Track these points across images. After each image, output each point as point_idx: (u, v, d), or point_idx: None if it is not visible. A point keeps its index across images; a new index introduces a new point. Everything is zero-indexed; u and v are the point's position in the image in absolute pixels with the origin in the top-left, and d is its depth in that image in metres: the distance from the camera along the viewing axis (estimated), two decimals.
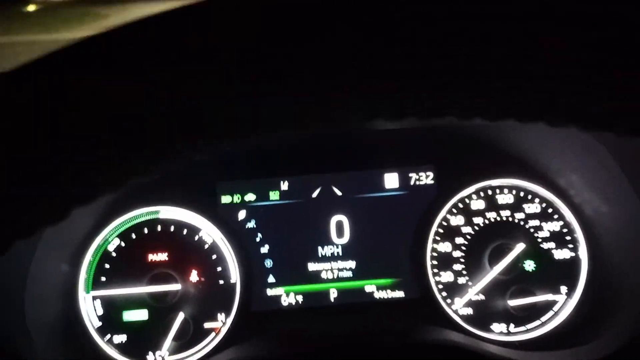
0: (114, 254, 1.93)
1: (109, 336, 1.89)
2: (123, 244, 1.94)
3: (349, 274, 1.96)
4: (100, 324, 1.89)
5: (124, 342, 1.89)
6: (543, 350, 1.77)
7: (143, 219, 1.95)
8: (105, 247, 1.93)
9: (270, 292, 1.96)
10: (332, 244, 1.97)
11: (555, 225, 1.93)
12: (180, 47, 0.56)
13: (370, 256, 1.97)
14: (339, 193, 1.98)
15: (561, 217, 1.93)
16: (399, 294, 1.95)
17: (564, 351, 1.74)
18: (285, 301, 1.96)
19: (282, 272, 1.96)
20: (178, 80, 0.57)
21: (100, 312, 1.90)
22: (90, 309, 1.90)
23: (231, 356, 1.77)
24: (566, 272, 1.90)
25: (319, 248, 1.97)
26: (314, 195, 1.99)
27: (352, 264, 1.97)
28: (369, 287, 1.96)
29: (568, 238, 1.92)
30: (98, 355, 1.88)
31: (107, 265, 1.92)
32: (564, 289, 1.90)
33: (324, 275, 1.96)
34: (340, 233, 1.98)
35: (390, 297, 1.95)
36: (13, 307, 1.64)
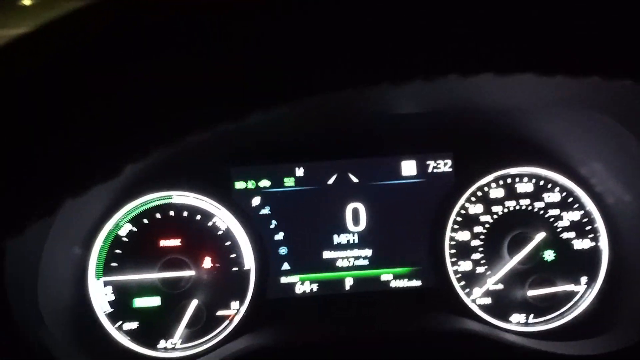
0: (125, 239, 1.89)
1: (119, 323, 1.85)
2: (135, 229, 1.90)
3: (365, 262, 1.93)
4: (111, 310, 1.86)
5: (135, 329, 1.86)
6: (562, 341, 1.74)
7: (155, 203, 1.91)
8: (117, 232, 1.89)
9: (284, 279, 1.93)
10: (348, 231, 1.94)
11: (575, 215, 1.90)
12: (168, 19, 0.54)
13: (387, 245, 1.93)
14: (355, 180, 1.95)
15: (582, 207, 1.90)
16: (416, 283, 1.92)
17: (583, 342, 1.72)
18: (300, 289, 1.92)
19: (297, 259, 1.93)
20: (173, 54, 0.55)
21: (111, 298, 1.86)
22: (100, 294, 1.86)
23: (244, 344, 1.74)
24: (586, 263, 1.87)
25: (335, 236, 1.94)
26: (330, 182, 1.95)
27: (368, 252, 1.93)
28: (385, 275, 1.92)
29: (588, 228, 1.89)
30: (109, 342, 1.85)
31: (118, 251, 1.88)
32: (584, 279, 1.87)
33: (339, 263, 1.93)
34: (356, 221, 1.94)
35: (406, 286, 1.91)
36: (26, 293, 1.60)
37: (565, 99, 1.62)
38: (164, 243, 1.89)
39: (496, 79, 0.61)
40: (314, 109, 1.70)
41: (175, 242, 1.89)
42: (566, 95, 1.60)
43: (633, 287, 1.81)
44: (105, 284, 1.87)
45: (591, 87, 1.53)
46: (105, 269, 1.87)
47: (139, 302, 1.87)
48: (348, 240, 1.93)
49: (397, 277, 1.92)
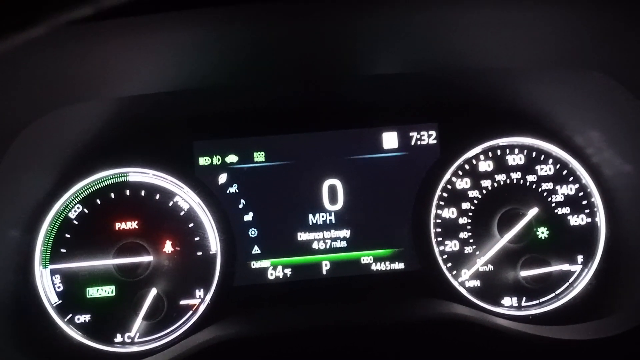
0: (75, 222, 1.70)
1: (70, 315, 1.66)
2: (86, 211, 1.71)
3: (343, 244, 1.77)
4: (59, 301, 1.67)
5: (87, 321, 1.67)
6: (557, 325, 1.61)
7: (109, 182, 1.72)
8: (66, 215, 1.70)
9: (255, 264, 1.75)
10: (325, 210, 1.77)
11: (570, 189, 1.76)
12: None
13: (367, 224, 1.77)
14: (332, 154, 1.78)
15: (577, 180, 1.76)
16: (399, 265, 1.76)
17: (579, 325, 1.58)
18: (272, 275, 1.75)
19: (269, 242, 1.76)
20: None
21: (60, 288, 1.67)
22: (48, 284, 1.67)
23: (210, 336, 1.55)
24: (583, 240, 1.74)
25: (310, 215, 1.77)
26: (304, 156, 1.78)
27: (346, 233, 1.77)
28: (366, 258, 1.76)
29: (584, 202, 1.75)
30: (58, 337, 1.65)
31: (68, 235, 1.69)
32: (580, 258, 1.74)
33: (315, 245, 1.76)
34: (333, 199, 1.77)
35: (389, 269, 1.76)
36: None
37: (560, 57, 1.47)
38: (119, 226, 1.70)
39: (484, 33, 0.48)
40: (284, 69, 1.53)
41: (132, 224, 1.71)
42: (561, 53, 1.45)
43: (632, 266, 1.67)
44: (53, 272, 1.67)
45: (589, 43, 1.38)
46: (53, 255, 1.68)
47: (92, 292, 1.68)
48: (324, 220, 1.77)
49: (378, 259, 1.76)
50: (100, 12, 0.58)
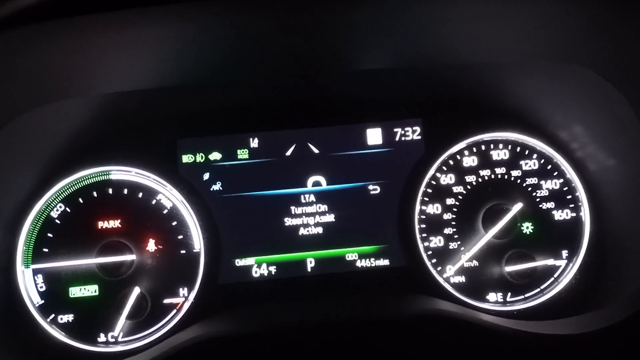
0: (58, 221, 1.68)
1: (52, 315, 1.65)
2: (69, 210, 1.69)
3: (328, 241, 1.75)
4: (42, 301, 1.65)
5: (70, 321, 1.66)
6: (542, 320, 1.60)
7: (92, 180, 1.71)
8: (48, 214, 1.68)
9: (239, 262, 1.74)
10: (309, 208, 1.75)
11: (555, 183, 1.75)
12: None
13: (352, 221, 1.76)
14: (316, 151, 1.77)
15: (561, 174, 1.76)
16: (384, 262, 1.75)
17: (564, 320, 1.57)
18: (257, 272, 1.74)
19: (253, 240, 1.74)
20: None
21: (43, 288, 1.66)
22: (30, 284, 1.65)
23: (194, 334, 1.54)
24: (567, 235, 1.73)
25: (294, 213, 1.75)
26: (288, 153, 1.77)
27: (331, 230, 1.75)
28: (350, 255, 1.75)
29: (569, 197, 1.75)
30: (41, 337, 1.64)
31: (50, 234, 1.67)
32: (565, 253, 1.73)
33: (299, 242, 1.74)
34: (318, 196, 1.76)
35: (374, 265, 1.75)
36: None
37: (545, 51, 1.46)
38: (101, 225, 1.69)
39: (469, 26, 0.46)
40: (269, 65, 1.51)
41: (115, 223, 1.69)
42: (544, 47, 1.44)
43: (617, 261, 1.67)
44: (36, 272, 1.66)
45: (574, 37, 1.37)
46: (35, 255, 1.66)
47: (75, 292, 1.66)
48: (309, 218, 1.75)
49: (362, 256, 1.75)
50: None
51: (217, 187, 1.75)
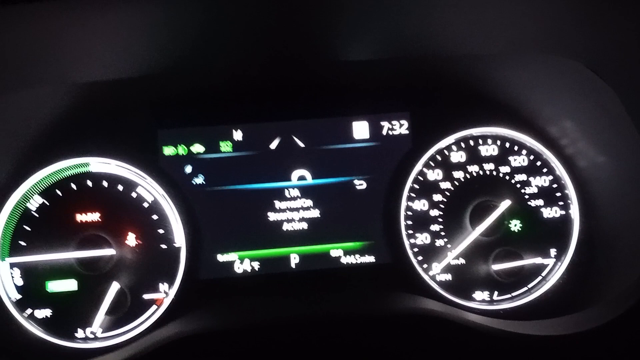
0: (35, 214, 1.64)
1: (29, 310, 1.62)
2: (46, 202, 1.65)
3: (313, 236, 1.71)
4: (19, 296, 1.62)
5: (48, 317, 1.62)
6: (530, 320, 1.57)
7: (70, 172, 1.66)
8: (25, 206, 1.64)
9: (221, 257, 1.70)
10: (294, 202, 1.71)
11: (544, 180, 1.72)
12: None
13: (337, 216, 1.72)
14: (301, 144, 1.73)
15: (551, 171, 1.72)
16: (369, 258, 1.72)
17: (552, 320, 1.55)
18: (239, 268, 1.71)
19: (236, 235, 1.70)
20: None
21: (20, 282, 1.62)
22: (6, 278, 1.62)
23: (175, 331, 1.51)
24: (556, 233, 1.71)
25: (278, 208, 1.71)
26: (273, 146, 1.72)
27: (315, 225, 1.72)
28: (335, 251, 1.72)
29: (558, 194, 1.72)
30: (18, 333, 1.60)
31: (27, 227, 1.63)
32: (553, 251, 1.70)
33: (283, 238, 1.71)
34: (302, 190, 1.72)
35: (359, 262, 1.71)
36: None
37: (532, 42, 1.41)
38: (80, 218, 1.65)
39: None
40: (251, 51, 1.46)
41: (94, 216, 1.65)
42: (533, 38, 1.40)
43: (606, 260, 1.64)
44: (12, 265, 1.62)
45: (565, 29, 1.33)
46: (12, 248, 1.62)
47: (53, 287, 1.63)
48: (293, 213, 1.72)
49: (348, 252, 1.71)
50: None
51: (199, 180, 1.71)
